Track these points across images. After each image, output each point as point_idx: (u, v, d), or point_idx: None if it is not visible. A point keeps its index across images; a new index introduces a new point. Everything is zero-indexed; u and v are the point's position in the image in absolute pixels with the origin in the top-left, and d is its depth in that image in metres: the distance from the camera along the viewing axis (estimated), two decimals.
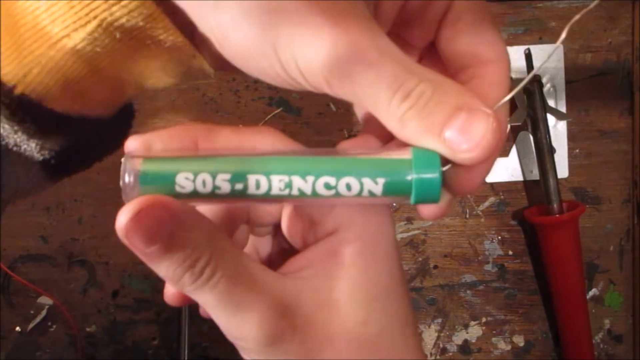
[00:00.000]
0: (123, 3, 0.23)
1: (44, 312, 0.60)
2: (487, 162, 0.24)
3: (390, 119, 0.23)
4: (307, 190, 0.23)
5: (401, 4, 0.27)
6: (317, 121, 0.60)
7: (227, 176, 0.23)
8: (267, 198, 0.23)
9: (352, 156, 0.24)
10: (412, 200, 0.23)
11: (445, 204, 0.26)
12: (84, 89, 0.26)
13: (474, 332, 0.62)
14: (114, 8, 0.23)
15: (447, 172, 0.23)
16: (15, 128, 0.25)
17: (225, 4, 0.22)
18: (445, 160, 0.23)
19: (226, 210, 0.28)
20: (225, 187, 0.23)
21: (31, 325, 0.60)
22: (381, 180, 0.23)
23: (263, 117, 0.56)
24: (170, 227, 0.23)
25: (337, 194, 0.23)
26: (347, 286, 0.26)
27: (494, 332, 0.62)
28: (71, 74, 0.25)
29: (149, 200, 0.22)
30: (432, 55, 0.29)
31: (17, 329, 0.60)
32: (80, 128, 0.27)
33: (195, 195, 0.23)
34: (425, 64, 0.29)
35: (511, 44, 0.60)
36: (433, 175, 0.23)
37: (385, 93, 0.22)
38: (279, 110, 0.56)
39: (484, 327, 0.62)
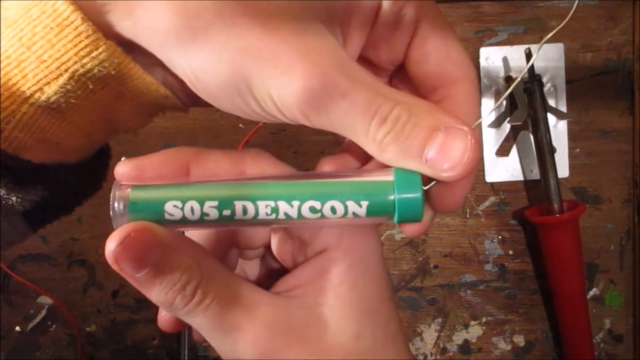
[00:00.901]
0: (93, 54, 0.23)
1: (43, 312, 0.60)
2: (468, 178, 0.24)
3: (370, 145, 0.24)
4: (293, 214, 0.24)
5: (369, 29, 0.27)
6: None
7: (215, 203, 0.23)
8: (255, 222, 0.24)
9: (336, 179, 0.24)
10: (395, 220, 0.24)
11: (428, 221, 0.26)
12: (59, 139, 0.26)
13: (474, 332, 0.62)
14: (85, 60, 0.24)
15: (430, 190, 0.24)
16: None
17: (197, 48, 0.23)
18: (426, 179, 0.24)
19: (215, 235, 0.28)
20: (214, 214, 0.23)
21: (31, 325, 0.60)
22: (365, 203, 0.24)
23: None
24: (158, 252, 0.23)
25: (323, 217, 0.24)
26: (338, 302, 0.27)
27: (494, 332, 0.62)
28: (45, 125, 0.25)
29: (136, 226, 0.23)
30: (401, 77, 0.29)
31: (17, 328, 0.60)
32: (58, 175, 0.28)
33: (184, 221, 0.24)
34: (396, 85, 0.30)
35: (511, 44, 0.60)
36: (415, 195, 0.23)
37: (362, 120, 0.23)
38: None
39: (484, 327, 0.62)
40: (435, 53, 0.27)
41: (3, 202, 0.27)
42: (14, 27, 0.24)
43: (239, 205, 0.23)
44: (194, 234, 0.27)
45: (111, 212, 0.23)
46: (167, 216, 0.23)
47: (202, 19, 0.23)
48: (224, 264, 0.29)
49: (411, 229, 0.27)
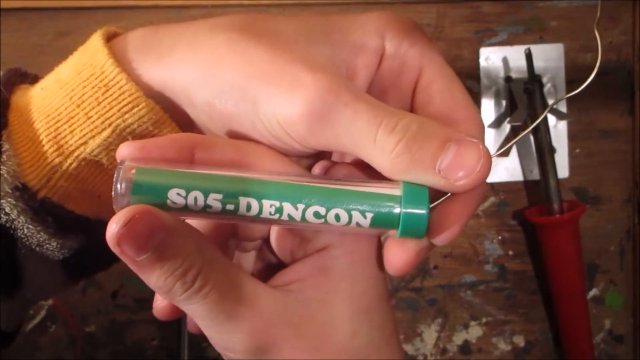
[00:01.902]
0: (134, 111, 0.27)
1: (43, 312, 0.60)
2: (471, 209, 0.25)
3: (377, 155, 0.24)
4: (297, 216, 0.24)
5: (374, 72, 0.28)
6: None
7: (219, 196, 0.23)
8: (257, 219, 0.24)
9: (344, 187, 0.24)
10: (398, 234, 0.24)
11: (418, 255, 0.26)
12: (100, 192, 0.29)
13: (474, 332, 0.62)
14: (127, 115, 0.27)
15: (432, 213, 0.24)
16: (39, 228, 0.28)
17: (212, 78, 0.25)
18: (432, 197, 0.24)
19: (215, 224, 0.28)
20: (217, 207, 0.23)
21: (31, 326, 0.60)
22: (370, 215, 0.24)
23: None
24: (161, 236, 0.23)
25: (326, 223, 0.24)
26: (337, 299, 0.27)
27: (494, 332, 0.62)
28: (88, 177, 0.28)
29: (140, 209, 0.23)
30: None
31: None
32: (98, 230, 0.29)
33: (185, 210, 0.24)
34: None
35: (511, 44, 0.60)
36: (421, 211, 0.23)
37: (368, 129, 0.23)
38: None
39: (484, 328, 0.62)
40: (440, 95, 0.27)
41: (44, 247, 0.29)
42: (66, 88, 0.27)
43: (243, 201, 0.23)
44: (193, 222, 0.27)
45: (112, 192, 0.23)
46: (169, 202, 0.23)
47: (216, 52, 0.25)
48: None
49: (397, 266, 0.26)
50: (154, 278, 0.24)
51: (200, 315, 0.25)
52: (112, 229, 0.22)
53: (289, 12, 0.59)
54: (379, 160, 0.24)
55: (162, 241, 0.23)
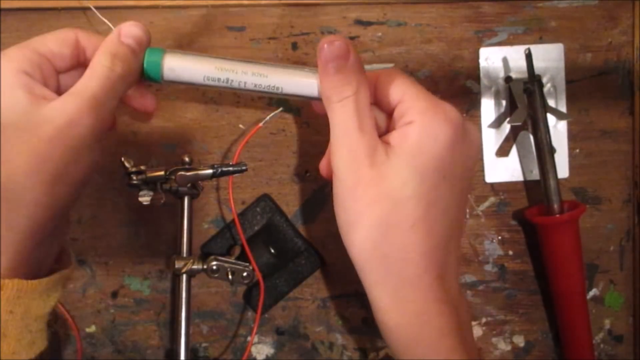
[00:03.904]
0: None
1: None
2: None
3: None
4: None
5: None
6: (317, 121, 0.59)
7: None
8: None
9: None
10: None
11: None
12: None
13: (474, 332, 0.62)
14: None
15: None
16: None
17: None
18: None
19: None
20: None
21: None
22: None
23: (263, 117, 0.56)
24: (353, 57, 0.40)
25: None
26: (402, 155, 0.38)
27: (494, 332, 0.62)
28: None
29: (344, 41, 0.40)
30: None
31: None
32: None
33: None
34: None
35: (511, 44, 0.60)
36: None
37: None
38: (279, 110, 0.56)
39: (484, 328, 0.62)
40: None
41: None
42: None
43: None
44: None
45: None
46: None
47: None
48: None
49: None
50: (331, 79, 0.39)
51: (340, 118, 0.39)
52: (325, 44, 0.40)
53: (288, 12, 0.59)
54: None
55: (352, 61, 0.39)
